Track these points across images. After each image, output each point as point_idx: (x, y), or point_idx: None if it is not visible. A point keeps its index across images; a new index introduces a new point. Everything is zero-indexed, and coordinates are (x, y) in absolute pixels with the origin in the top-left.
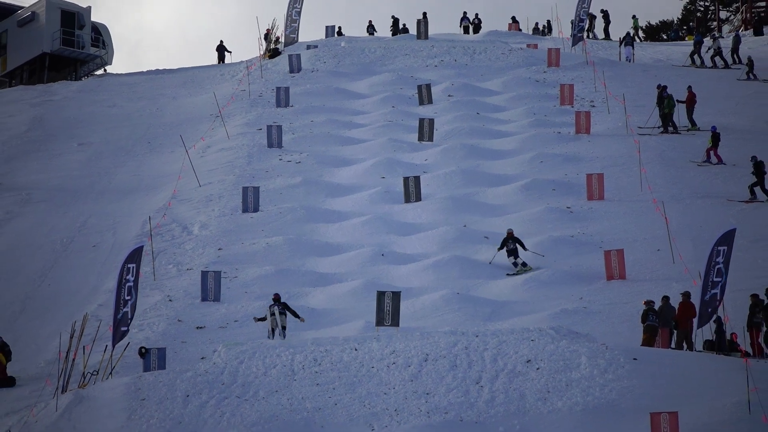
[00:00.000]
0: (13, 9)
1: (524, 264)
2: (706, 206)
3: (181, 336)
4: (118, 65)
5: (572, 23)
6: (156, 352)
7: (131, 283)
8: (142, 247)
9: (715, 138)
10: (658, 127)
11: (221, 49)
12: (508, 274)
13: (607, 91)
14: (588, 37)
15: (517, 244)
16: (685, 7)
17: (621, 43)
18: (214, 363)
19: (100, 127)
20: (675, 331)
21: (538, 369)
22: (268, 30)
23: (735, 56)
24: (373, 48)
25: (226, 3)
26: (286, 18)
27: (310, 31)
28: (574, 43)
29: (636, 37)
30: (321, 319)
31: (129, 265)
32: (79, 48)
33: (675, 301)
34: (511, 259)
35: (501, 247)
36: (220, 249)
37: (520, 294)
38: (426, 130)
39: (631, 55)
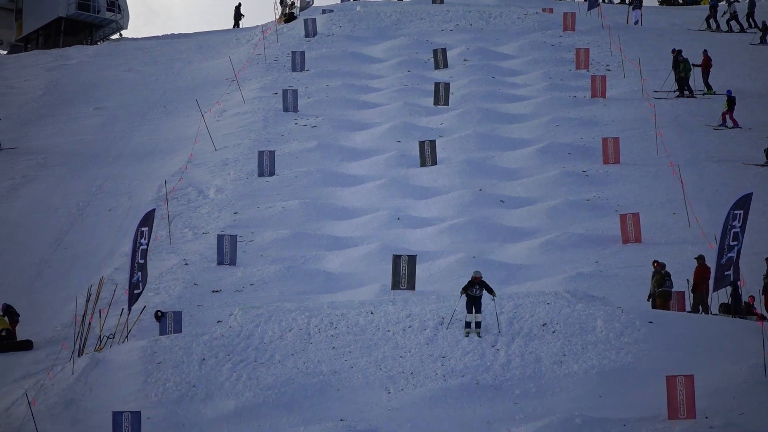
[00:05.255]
0: None
1: (479, 326)
2: (721, 170)
3: (197, 299)
4: (133, 30)
5: None
6: (172, 316)
7: (144, 247)
8: (154, 210)
9: (731, 102)
10: (674, 91)
11: (238, 13)
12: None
13: (622, 55)
14: (603, 1)
15: (484, 290)
16: None
17: (630, 6)
18: (230, 326)
19: (116, 91)
20: (692, 295)
21: (554, 332)
22: None
23: (750, 20)
24: (389, 12)
25: None
26: None
27: None
28: (590, 8)
29: None
30: (337, 282)
31: (142, 229)
32: (94, 12)
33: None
34: (471, 317)
35: (464, 292)
36: (235, 213)
37: (535, 257)
38: (442, 94)
39: (640, 17)
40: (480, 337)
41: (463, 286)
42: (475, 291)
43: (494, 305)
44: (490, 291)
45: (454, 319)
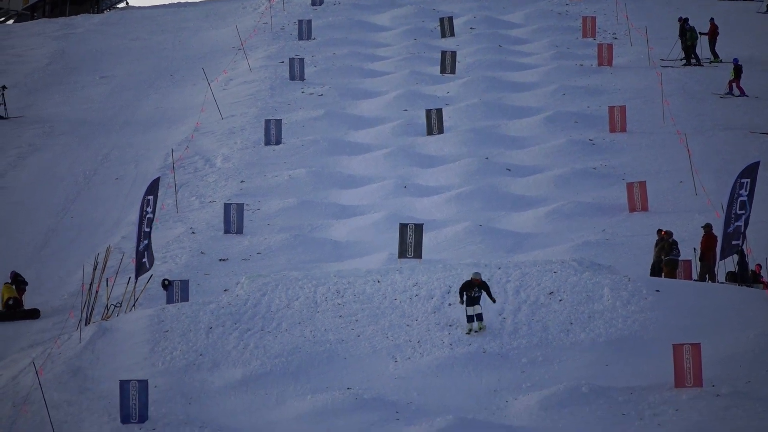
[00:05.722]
0: None
1: (481, 318)
2: (728, 138)
3: (204, 268)
4: None
5: None
6: (179, 284)
7: (150, 215)
8: (159, 178)
9: (738, 70)
10: (681, 60)
11: None
12: (468, 333)
13: (629, 23)
14: None
15: (483, 292)
16: None
17: None
18: (237, 295)
19: (123, 59)
20: (699, 263)
21: (560, 301)
22: None
23: None
24: None
25: None
26: None
27: None
28: None
29: None
30: (344, 251)
31: (148, 197)
32: None
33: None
34: (470, 310)
35: (462, 294)
36: (242, 181)
37: (542, 226)
38: (448, 63)
39: None
40: (482, 329)
41: (460, 287)
42: (474, 293)
43: (498, 305)
44: (490, 295)
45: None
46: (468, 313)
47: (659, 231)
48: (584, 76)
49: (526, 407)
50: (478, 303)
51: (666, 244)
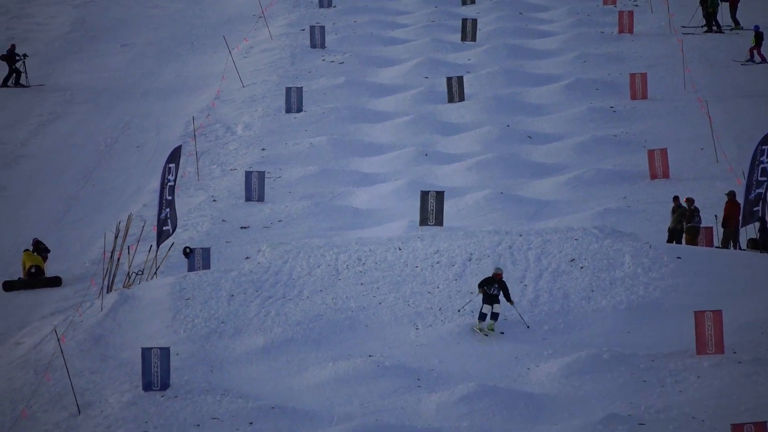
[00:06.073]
0: None
1: (496, 318)
2: (749, 105)
3: (226, 236)
4: None
5: None
6: (200, 252)
7: (172, 183)
8: (181, 146)
9: (759, 37)
10: (702, 27)
11: None
12: (474, 329)
13: None
14: None
15: (501, 292)
16: None
17: None
18: (258, 263)
19: (143, 27)
20: (722, 230)
21: (582, 268)
22: None
23: None
24: None
25: None
26: None
27: None
28: None
29: None
30: (365, 218)
31: (169, 165)
32: None
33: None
34: (488, 308)
35: (481, 288)
36: (263, 149)
37: (563, 193)
38: (469, 30)
39: None
40: (491, 331)
41: (480, 281)
42: (493, 290)
43: (514, 308)
44: (507, 295)
45: (469, 308)
46: (482, 311)
47: (675, 198)
48: (605, 43)
49: (547, 374)
50: (497, 302)
51: (687, 211)
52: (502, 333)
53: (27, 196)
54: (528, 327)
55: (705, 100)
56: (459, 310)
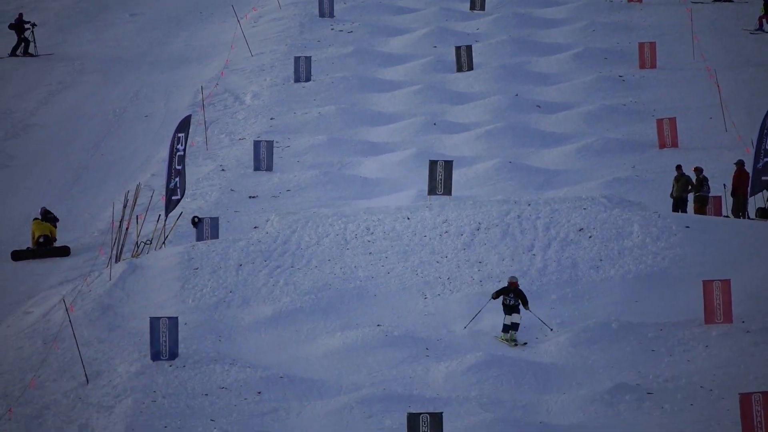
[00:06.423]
0: None
1: (516, 328)
2: (759, 74)
3: (234, 205)
4: None
5: None
6: (209, 222)
7: (181, 153)
8: (191, 116)
9: None
10: None
11: None
12: (496, 337)
13: None
14: None
15: (519, 300)
16: None
17: None
18: (266, 232)
19: None
20: (732, 199)
21: (590, 237)
22: None
23: None
24: None
25: None
26: None
27: None
28: None
29: None
30: (373, 188)
31: (179, 135)
32: None
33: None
34: (508, 319)
35: (496, 297)
36: (272, 118)
37: (572, 162)
38: (478, 0)
39: None
40: (516, 344)
41: (496, 290)
42: (510, 300)
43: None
44: (525, 303)
45: (477, 317)
46: (504, 322)
47: (678, 166)
48: (614, 12)
49: (556, 344)
50: (516, 312)
51: (696, 180)
52: (526, 344)
53: (36, 166)
54: (552, 330)
55: (714, 69)
56: (465, 327)
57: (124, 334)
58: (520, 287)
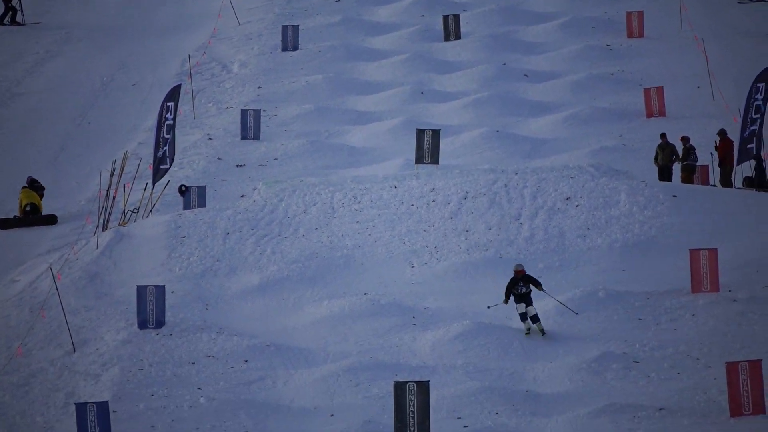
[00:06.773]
0: None
1: (537, 319)
2: (746, 44)
3: (221, 174)
4: None
5: None
6: (196, 190)
7: (170, 122)
8: (180, 85)
9: None
10: None
11: None
12: (527, 334)
13: None
14: None
15: (531, 286)
16: None
17: None
18: (254, 201)
19: None
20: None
21: (577, 206)
22: None
23: None
24: None
25: None
26: None
27: None
28: None
29: None
30: (360, 157)
31: (168, 104)
32: None
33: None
34: (522, 307)
35: (508, 293)
36: (259, 87)
37: (559, 131)
38: None
39: None
40: (544, 334)
41: (506, 285)
42: (520, 289)
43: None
44: (538, 285)
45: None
46: (519, 311)
47: (663, 135)
48: None
49: (542, 312)
50: (529, 303)
51: (683, 149)
52: (544, 334)
53: (23, 135)
54: (576, 314)
55: (701, 39)
56: (489, 306)
57: (111, 303)
58: (525, 272)
